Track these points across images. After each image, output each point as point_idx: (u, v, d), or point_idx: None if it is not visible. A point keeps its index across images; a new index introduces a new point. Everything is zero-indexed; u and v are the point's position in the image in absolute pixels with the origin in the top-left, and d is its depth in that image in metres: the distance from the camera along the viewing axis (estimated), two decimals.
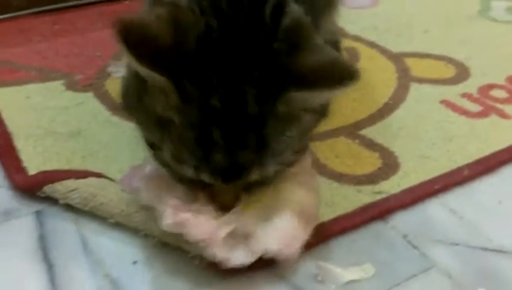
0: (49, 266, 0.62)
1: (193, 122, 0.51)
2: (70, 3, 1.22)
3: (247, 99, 0.51)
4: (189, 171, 0.54)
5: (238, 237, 0.58)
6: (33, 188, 0.70)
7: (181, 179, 0.59)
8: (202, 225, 0.57)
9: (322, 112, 0.59)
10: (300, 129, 0.56)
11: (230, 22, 0.52)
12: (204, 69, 0.50)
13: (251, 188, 0.59)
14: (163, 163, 0.58)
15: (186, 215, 0.58)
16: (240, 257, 0.57)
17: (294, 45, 0.52)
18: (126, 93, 0.60)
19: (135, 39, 0.47)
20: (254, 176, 0.55)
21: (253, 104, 0.51)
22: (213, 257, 0.57)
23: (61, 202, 0.69)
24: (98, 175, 0.72)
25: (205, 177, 0.54)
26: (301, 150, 0.59)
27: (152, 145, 0.58)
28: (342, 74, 0.50)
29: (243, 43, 0.52)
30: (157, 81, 0.51)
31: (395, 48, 1.11)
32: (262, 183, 0.59)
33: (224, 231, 0.57)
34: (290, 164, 0.59)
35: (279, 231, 0.59)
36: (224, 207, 0.59)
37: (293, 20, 0.53)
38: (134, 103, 0.57)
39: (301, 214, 0.61)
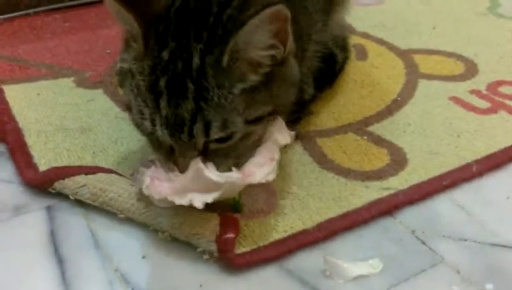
0: (60, 260, 0.63)
1: (145, 71, 0.59)
2: (80, 1, 1.23)
3: (192, 53, 0.58)
4: (148, 125, 0.60)
5: None
6: (44, 184, 0.71)
7: (153, 145, 0.64)
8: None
9: (280, 77, 0.62)
10: (246, 89, 0.59)
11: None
12: (165, 29, 0.59)
13: (211, 154, 0.61)
14: (136, 126, 0.63)
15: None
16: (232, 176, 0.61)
17: (242, 10, 0.59)
18: (119, 69, 0.66)
19: None
20: (198, 132, 0.58)
21: (197, 57, 0.58)
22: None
23: (71, 197, 0.70)
24: (108, 171, 0.73)
25: (159, 131, 0.59)
26: (259, 120, 0.61)
27: (128, 108, 0.63)
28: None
29: (199, 12, 0.60)
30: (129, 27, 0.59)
31: (403, 44, 1.11)
32: (223, 150, 0.61)
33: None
34: (240, 133, 0.60)
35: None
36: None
37: None
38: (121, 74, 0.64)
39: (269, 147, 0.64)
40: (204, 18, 0.59)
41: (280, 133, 0.66)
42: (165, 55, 0.58)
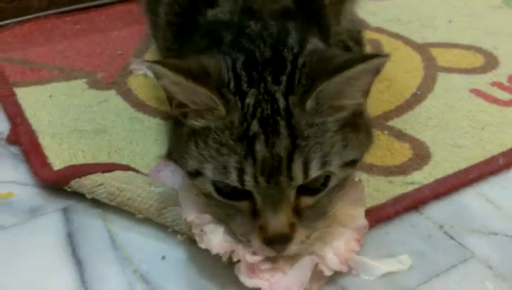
0: (78, 263, 0.62)
1: (235, 124, 0.54)
2: (90, 4, 1.22)
3: (275, 94, 0.55)
4: (234, 178, 0.53)
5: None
6: (60, 183, 0.70)
7: (228, 214, 0.58)
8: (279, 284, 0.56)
9: (361, 126, 0.59)
10: (338, 128, 0.55)
11: (253, 53, 0.58)
12: (238, 83, 0.55)
13: (303, 213, 0.56)
14: (207, 195, 0.58)
15: (263, 279, 0.56)
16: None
17: (319, 59, 0.56)
18: (170, 138, 0.63)
19: (175, 67, 0.53)
20: (297, 171, 0.53)
21: (281, 98, 0.54)
22: None
23: (88, 196, 0.68)
24: (125, 168, 0.71)
25: (249, 180, 0.53)
26: (351, 165, 0.57)
27: (195, 174, 0.57)
28: (364, 57, 0.54)
29: (270, 62, 0.57)
30: (202, 99, 0.54)
31: (419, 38, 1.09)
32: (314, 208, 0.57)
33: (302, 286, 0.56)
34: (336, 178, 0.56)
35: (340, 252, 0.58)
36: (276, 240, 0.55)
37: (316, 46, 0.60)
38: (175, 139, 0.60)
39: (355, 229, 0.61)
40: (278, 65, 0.56)
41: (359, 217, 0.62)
42: (250, 101, 0.54)
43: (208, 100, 0.54)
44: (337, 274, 0.59)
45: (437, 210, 0.68)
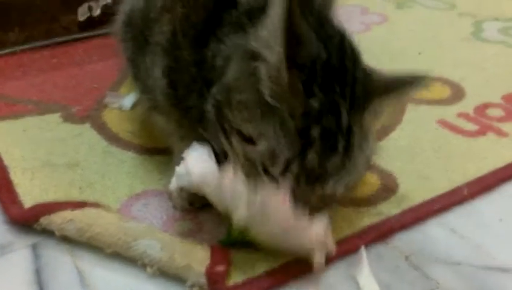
0: None
1: (296, 112, 0.58)
2: (67, 38, 1.23)
3: (340, 109, 0.59)
4: (277, 169, 0.58)
5: None
6: (29, 221, 0.70)
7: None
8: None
9: None
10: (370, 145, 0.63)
11: (330, 52, 0.62)
12: (310, 78, 0.59)
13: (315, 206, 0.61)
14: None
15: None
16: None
17: (367, 74, 0.64)
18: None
19: None
20: (331, 186, 0.59)
21: (345, 115, 0.59)
22: None
23: (57, 233, 0.68)
24: (96, 205, 0.71)
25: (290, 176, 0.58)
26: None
27: (248, 140, 0.60)
28: (414, 79, 0.65)
29: (338, 69, 0.62)
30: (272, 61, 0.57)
31: (389, 71, 1.11)
32: (326, 204, 0.63)
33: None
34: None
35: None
36: None
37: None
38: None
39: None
40: (342, 75, 0.61)
41: None
42: (315, 104, 0.58)
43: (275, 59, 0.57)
44: None
45: (403, 241, 0.70)
